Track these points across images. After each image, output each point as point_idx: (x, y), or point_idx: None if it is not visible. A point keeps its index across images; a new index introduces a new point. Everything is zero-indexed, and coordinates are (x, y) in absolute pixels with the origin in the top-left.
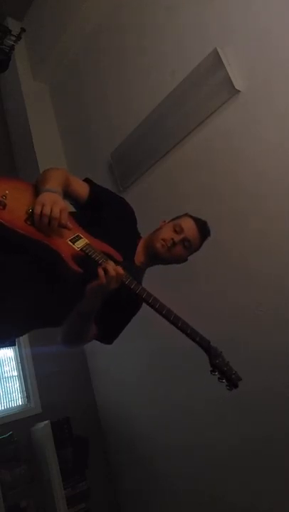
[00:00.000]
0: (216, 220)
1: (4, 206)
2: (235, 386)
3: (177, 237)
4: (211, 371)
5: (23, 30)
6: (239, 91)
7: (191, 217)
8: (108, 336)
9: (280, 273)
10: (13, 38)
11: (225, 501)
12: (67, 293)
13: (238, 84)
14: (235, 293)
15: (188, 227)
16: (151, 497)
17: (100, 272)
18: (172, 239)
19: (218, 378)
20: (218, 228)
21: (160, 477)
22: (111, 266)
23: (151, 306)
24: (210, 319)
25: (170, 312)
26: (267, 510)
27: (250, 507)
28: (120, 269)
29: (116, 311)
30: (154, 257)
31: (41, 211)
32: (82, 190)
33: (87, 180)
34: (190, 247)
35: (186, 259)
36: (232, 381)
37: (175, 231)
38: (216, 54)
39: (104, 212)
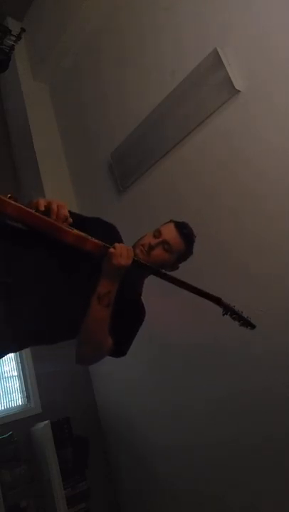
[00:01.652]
0: (216, 220)
1: (16, 200)
2: (253, 326)
3: (154, 241)
4: (231, 316)
5: (23, 30)
6: (239, 91)
7: (173, 221)
8: (122, 346)
9: (280, 273)
10: (13, 38)
11: (225, 501)
12: (81, 292)
13: (238, 84)
14: (235, 293)
15: (168, 230)
16: (151, 497)
17: (112, 249)
18: (149, 243)
19: (239, 324)
20: (218, 228)
21: (160, 477)
22: (118, 244)
23: (163, 276)
24: (210, 319)
25: (183, 281)
26: (267, 510)
27: (250, 507)
28: (126, 245)
29: (125, 320)
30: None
31: (46, 202)
32: None
33: None
34: (170, 249)
35: (176, 267)
36: (249, 322)
37: (154, 236)
38: (216, 54)
39: (90, 233)
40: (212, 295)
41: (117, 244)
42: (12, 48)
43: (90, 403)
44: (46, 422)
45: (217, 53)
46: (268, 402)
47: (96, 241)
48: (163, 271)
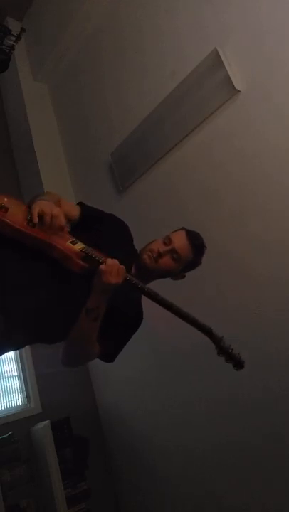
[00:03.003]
0: (216, 220)
1: (6, 210)
2: (241, 366)
3: (163, 248)
4: (218, 354)
5: (23, 30)
6: (239, 91)
7: (184, 229)
8: (110, 353)
9: (281, 273)
10: (13, 38)
11: (225, 501)
12: (76, 298)
13: (238, 84)
14: (235, 293)
15: (178, 238)
16: (151, 497)
17: (102, 266)
18: (158, 250)
19: (225, 360)
20: (219, 228)
21: (160, 477)
22: (111, 260)
23: (154, 298)
24: (210, 319)
25: (172, 304)
26: (267, 510)
27: (251, 507)
28: (116, 262)
29: (117, 329)
30: (144, 270)
31: (41, 211)
32: (73, 211)
33: (79, 204)
34: (179, 259)
35: (182, 275)
36: (238, 361)
37: (164, 243)
38: (216, 54)
39: (97, 230)
40: (203, 325)
41: (109, 260)
42: (12, 47)
43: (90, 403)
44: (46, 422)
45: (217, 53)
46: (267, 402)
47: (81, 263)
48: (158, 294)
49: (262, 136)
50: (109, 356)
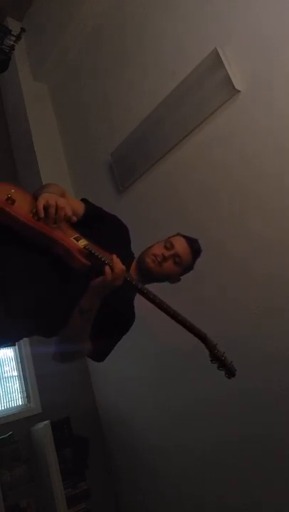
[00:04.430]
0: (216, 220)
1: (13, 202)
2: (233, 374)
3: (167, 253)
4: (211, 360)
5: (23, 30)
6: (239, 91)
7: (182, 235)
8: (100, 352)
9: (280, 273)
10: (13, 38)
11: (225, 501)
12: (75, 296)
13: (238, 84)
14: (235, 293)
15: (179, 243)
16: (151, 497)
17: (107, 269)
18: (162, 254)
19: (217, 367)
20: (218, 228)
21: (160, 477)
22: (116, 263)
23: (152, 301)
24: (210, 319)
25: (169, 307)
26: (267, 510)
27: (250, 507)
28: (123, 266)
29: (110, 328)
30: (146, 273)
31: (46, 204)
32: (78, 207)
33: (83, 200)
34: (181, 263)
35: (178, 279)
36: (230, 369)
37: (166, 247)
38: (216, 54)
39: (98, 229)
40: (198, 330)
41: (117, 264)
42: (12, 47)
43: (90, 403)
44: (46, 422)
45: (217, 53)
46: (267, 402)
47: (83, 260)
48: (156, 296)
49: (262, 136)
50: (99, 355)
